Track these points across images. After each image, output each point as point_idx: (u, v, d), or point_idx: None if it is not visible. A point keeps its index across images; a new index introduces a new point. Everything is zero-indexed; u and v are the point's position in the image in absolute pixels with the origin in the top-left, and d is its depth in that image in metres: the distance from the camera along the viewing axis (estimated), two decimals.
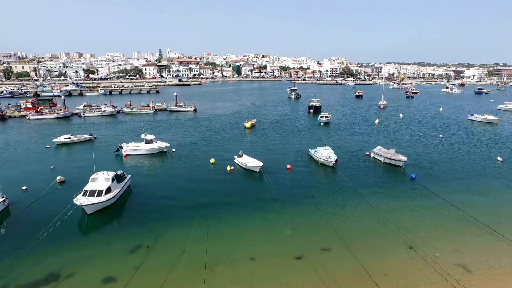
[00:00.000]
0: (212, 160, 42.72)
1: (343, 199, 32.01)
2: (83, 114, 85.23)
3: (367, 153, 47.15)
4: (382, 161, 42.61)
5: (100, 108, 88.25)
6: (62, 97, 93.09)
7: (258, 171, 38.63)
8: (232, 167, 40.27)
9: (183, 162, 43.74)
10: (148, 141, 47.99)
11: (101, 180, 29.95)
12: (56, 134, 57.84)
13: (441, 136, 61.43)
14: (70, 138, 53.17)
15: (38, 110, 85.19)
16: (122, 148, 47.28)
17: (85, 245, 24.18)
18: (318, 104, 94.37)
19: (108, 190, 29.25)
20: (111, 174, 30.90)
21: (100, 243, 24.41)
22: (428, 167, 42.00)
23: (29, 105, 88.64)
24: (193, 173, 38.97)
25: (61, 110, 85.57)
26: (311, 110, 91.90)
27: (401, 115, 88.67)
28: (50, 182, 34.94)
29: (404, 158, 40.75)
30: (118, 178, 31.72)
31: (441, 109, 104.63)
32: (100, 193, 28.55)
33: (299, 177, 37.71)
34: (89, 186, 29.37)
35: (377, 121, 77.78)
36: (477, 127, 71.82)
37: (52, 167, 40.73)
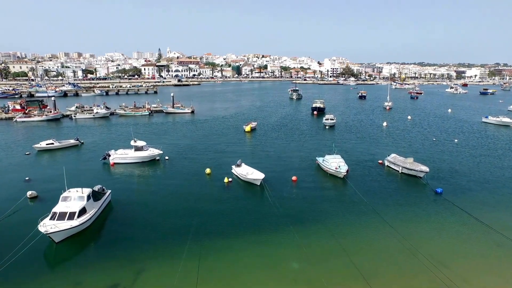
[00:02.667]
0: (208, 171, 38.09)
1: (358, 220, 27.44)
2: (74, 116, 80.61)
3: (380, 161, 42.58)
4: (400, 171, 38.02)
5: (93, 110, 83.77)
6: (53, 98, 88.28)
7: (259, 184, 34.07)
8: (230, 179, 35.66)
9: (175, 172, 39.16)
10: (138, 148, 43.40)
11: (74, 199, 25.24)
12: (42, 138, 53.37)
13: (456, 140, 56.86)
14: (53, 143, 48.37)
15: (27, 111, 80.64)
16: (109, 155, 42.67)
17: (48, 285, 19.64)
18: (322, 106, 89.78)
19: (82, 211, 24.60)
20: (87, 191, 26.23)
21: (67, 282, 19.85)
22: (451, 177, 37.42)
23: (18, 106, 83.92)
24: (186, 187, 34.34)
25: (50, 112, 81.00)
26: (315, 112, 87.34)
27: (409, 117, 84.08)
28: (21, 198, 30.36)
29: (425, 168, 36.13)
30: (95, 196, 27.01)
31: (449, 110, 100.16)
32: (71, 215, 23.88)
33: (306, 192, 32.96)
34: (58, 207, 24.60)
35: (384, 124, 73.22)
36: (493, 130, 67.29)
37: (27, 178, 36.03)
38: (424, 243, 23.91)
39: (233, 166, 38.13)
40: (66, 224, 23.15)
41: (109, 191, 30.09)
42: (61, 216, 23.68)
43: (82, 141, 52.29)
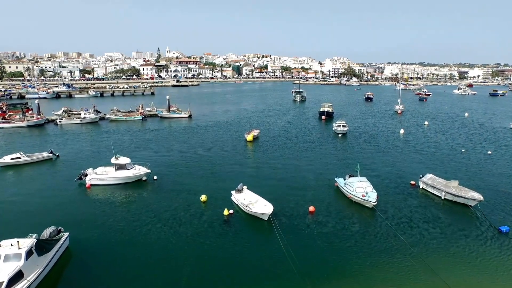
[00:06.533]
0: (203, 198, 30.46)
1: (403, 277, 20.07)
2: (60, 121, 73.22)
3: (412, 182, 35.18)
4: (442, 198, 30.64)
5: (80, 115, 76.35)
6: (36, 102, 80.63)
7: (266, 219, 26.71)
8: (231, 211, 28.26)
9: (164, 198, 31.56)
10: (120, 167, 35.88)
11: (4, 259, 17.54)
12: (20, 148, 46.17)
13: (489, 152, 49.49)
14: (19, 158, 40.81)
15: (6, 117, 73.33)
16: (86, 175, 35.22)
17: None
18: (330, 110, 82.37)
19: (16, 278, 16.96)
20: (27, 243, 18.46)
21: None
22: (504, 205, 29.89)
23: None
24: (175, 221, 26.76)
25: (33, 117, 73.62)
26: (323, 117, 79.89)
27: (426, 122, 76.61)
28: None
29: (478, 196, 28.63)
30: (42, 247, 19.41)
31: (466, 114, 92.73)
32: None
33: (328, 233, 25.11)
34: None
35: (402, 131, 65.86)
36: None
37: None
38: None
39: (233, 192, 30.68)
40: None
41: (67, 234, 22.35)
42: None
43: (57, 154, 44.69)
